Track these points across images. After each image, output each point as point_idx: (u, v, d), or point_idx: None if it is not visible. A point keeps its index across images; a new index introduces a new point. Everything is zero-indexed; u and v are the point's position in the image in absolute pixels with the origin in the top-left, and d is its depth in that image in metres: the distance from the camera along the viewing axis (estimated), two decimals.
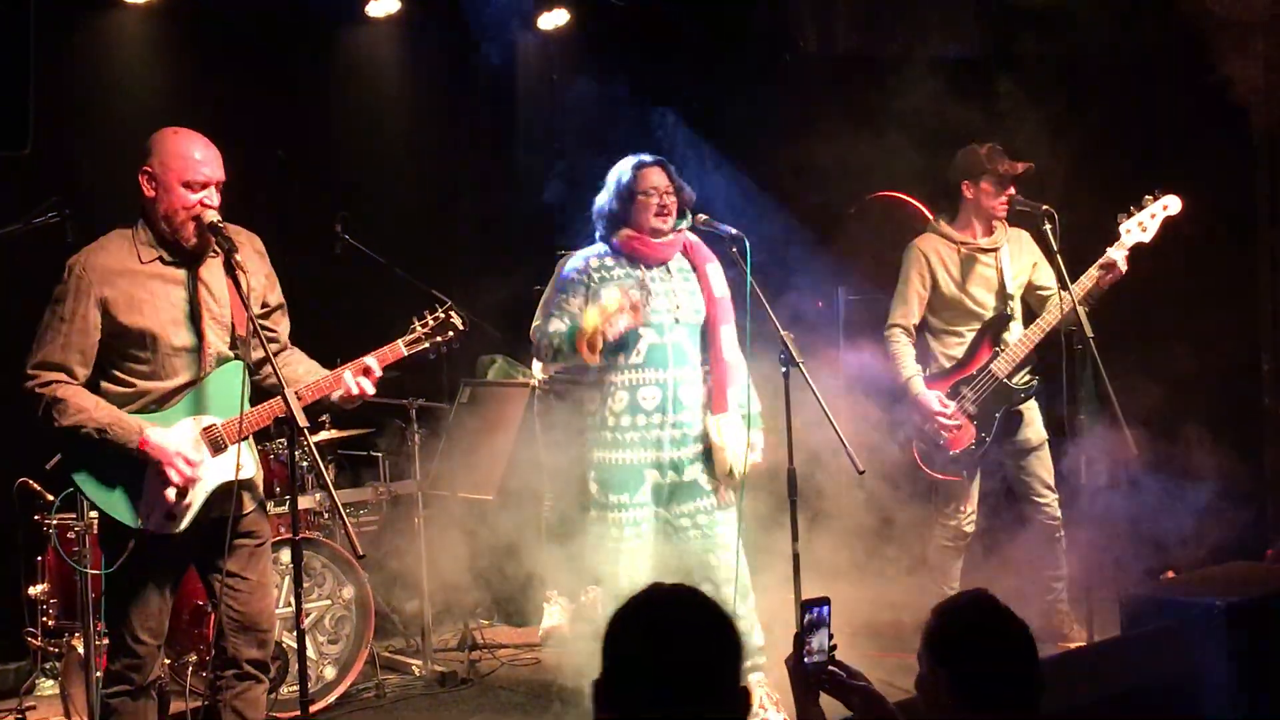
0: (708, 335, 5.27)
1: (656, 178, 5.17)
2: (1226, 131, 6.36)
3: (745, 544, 5.27)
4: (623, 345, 5.10)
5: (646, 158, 5.25)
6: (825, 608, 3.19)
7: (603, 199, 5.28)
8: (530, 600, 6.57)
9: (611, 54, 8.12)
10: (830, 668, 3.18)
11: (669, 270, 5.24)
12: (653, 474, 5.17)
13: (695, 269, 5.30)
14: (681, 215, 5.24)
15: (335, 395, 4.34)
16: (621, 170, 5.25)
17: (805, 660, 3.15)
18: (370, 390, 4.33)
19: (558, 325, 5.11)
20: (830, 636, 3.20)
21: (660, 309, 5.15)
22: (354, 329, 5.70)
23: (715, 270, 5.31)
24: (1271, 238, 6.88)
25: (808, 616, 3.17)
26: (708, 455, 5.20)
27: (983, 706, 2.82)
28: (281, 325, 4.49)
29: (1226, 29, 6.35)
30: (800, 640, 3.17)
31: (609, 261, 5.18)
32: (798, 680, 3.17)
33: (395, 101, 7.85)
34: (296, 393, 4.20)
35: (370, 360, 4.33)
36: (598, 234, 5.29)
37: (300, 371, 4.41)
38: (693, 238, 5.32)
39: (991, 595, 2.98)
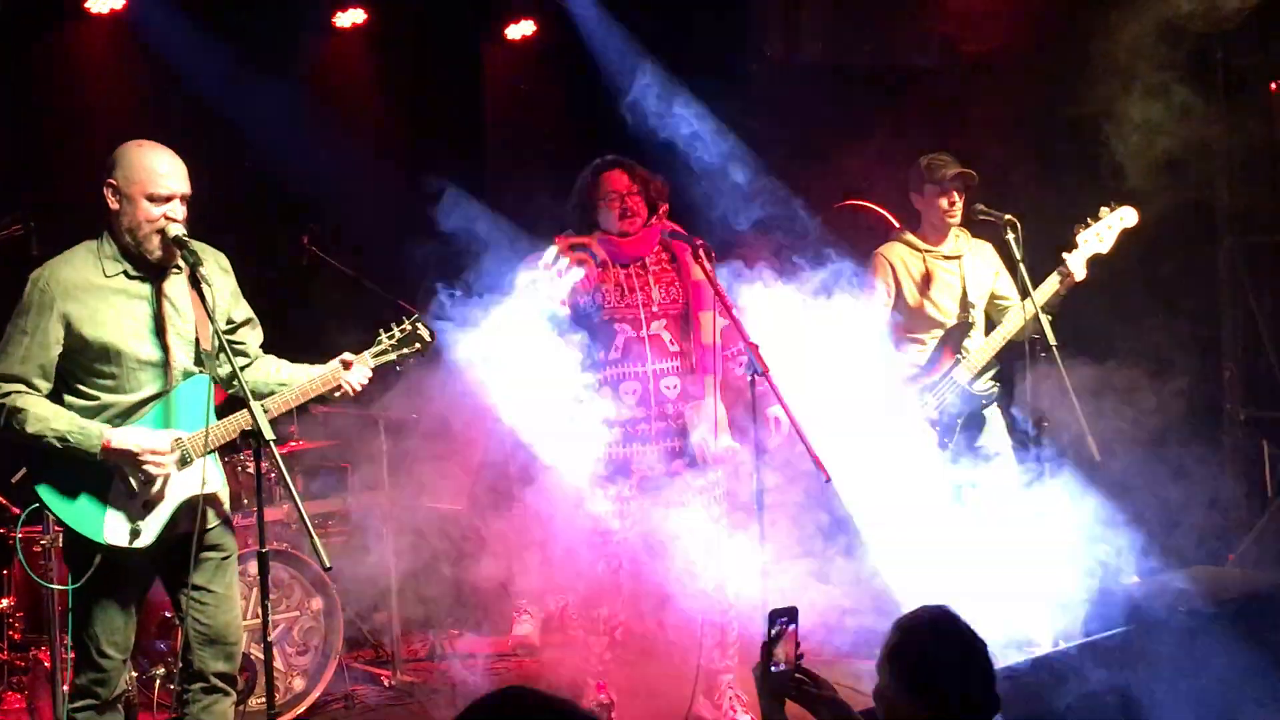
0: (689, 322, 5.28)
1: (617, 180, 5.22)
2: (1188, 142, 6.42)
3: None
4: (601, 343, 5.18)
5: (608, 159, 5.30)
6: (793, 617, 3.22)
7: (572, 202, 5.33)
8: (500, 610, 6.57)
9: (577, 64, 8.15)
10: (797, 676, 3.20)
11: (645, 265, 5.27)
12: (640, 467, 5.21)
13: (676, 257, 5.31)
14: (653, 208, 5.26)
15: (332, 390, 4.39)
16: (584, 174, 5.30)
17: (772, 669, 3.18)
18: (364, 378, 4.41)
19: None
20: (797, 646, 3.22)
21: (635, 304, 5.19)
22: (323, 342, 5.71)
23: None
24: (1232, 247, 6.95)
25: (775, 626, 3.20)
26: (694, 448, 5.23)
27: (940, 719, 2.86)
28: (251, 338, 4.50)
29: (1186, 39, 6.41)
30: (767, 649, 3.19)
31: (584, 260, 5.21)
32: (764, 689, 3.20)
33: (362, 112, 7.84)
34: (281, 398, 4.27)
35: (348, 356, 4.38)
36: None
37: (273, 372, 4.43)
38: (673, 226, 5.34)
39: (952, 611, 3.01)
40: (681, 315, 5.27)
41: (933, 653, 2.92)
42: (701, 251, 5.02)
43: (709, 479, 5.26)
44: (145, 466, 4.10)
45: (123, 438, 4.10)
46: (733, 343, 5.30)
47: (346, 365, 4.37)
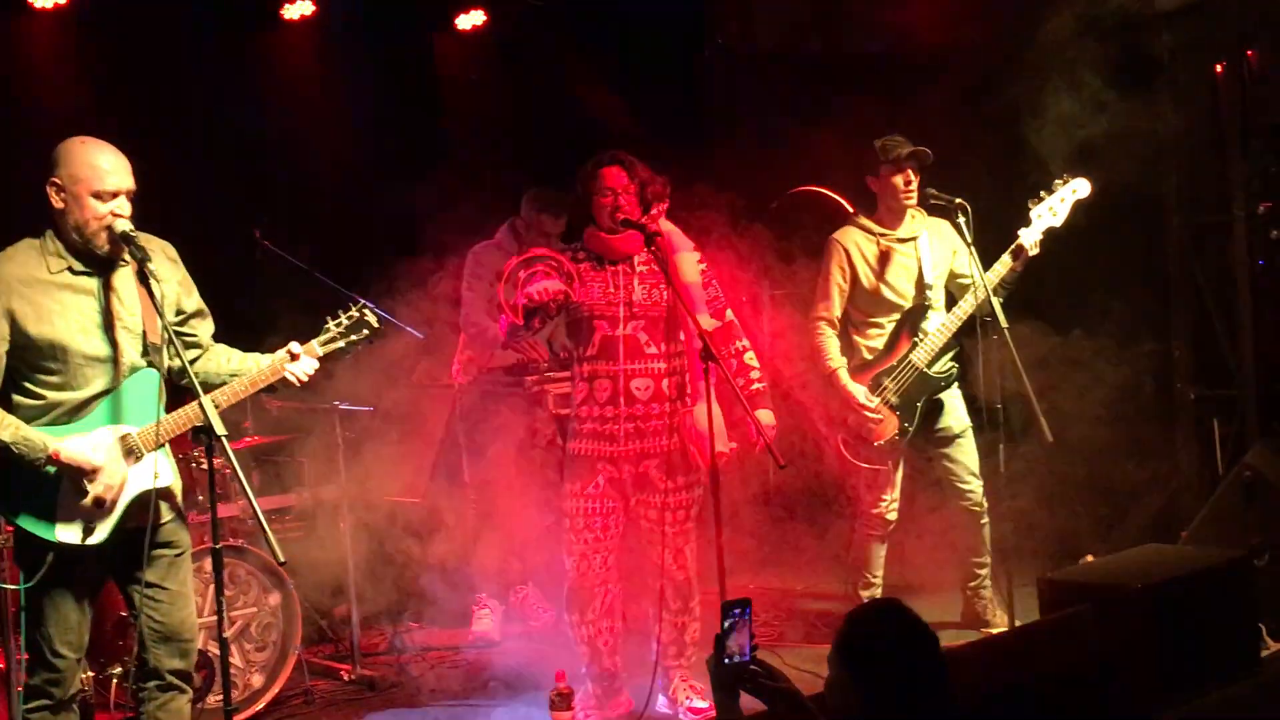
0: (679, 323, 5.24)
1: (614, 177, 5.18)
2: (1137, 121, 6.48)
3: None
4: (582, 338, 5.20)
5: (610, 155, 5.25)
6: (746, 609, 3.22)
7: (573, 192, 5.33)
8: (459, 602, 6.56)
9: (529, 53, 8.15)
10: (751, 668, 3.21)
11: (632, 264, 5.24)
12: (608, 468, 5.20)
13: (665, 259, 5.27)
14: (647, 208, 5.21)
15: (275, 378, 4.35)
16: (585, 169, 5.27)
17: (725, 661, 3.19)
18: (310, 369, 4.37)
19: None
20: (751, 637, 3.23)
21: (615, 302, 5.18)
22: (274, 333, 5.68)
23: (686, 259, 5.27)
24: (1179, 228, 7.00)
25: (728, 618, 3.20)
26: (665, 452, 5.21)
27: (889, 713, 2.88)
28: (201, 329, 4.45)
29: (1135, 22, 6.47)
30: (721, 641, 3.20)
31: (580, 257, 5.24)
32: (718, 681, 3.21)
33: (312, 104, 7.80)
34: (230, 390, 4.23)
35: (294, 346, 4.35)
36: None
37: (224, 362, 4.39)
38: (668, 227, 5.31)
39: (902, 604, 3.03)
40: (664, 318, 5.23)
41: (882, 645, 2.94)
42: (652, 245, 5.03)
43: (679, 481, 5.25)
44: (94, 482, 4.07)
45: (71, 452, 4.06)
46: (737, 339, 5.32)
47: (294, 356, 4.35)
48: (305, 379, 4.36)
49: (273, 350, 4.41)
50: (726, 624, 3.19)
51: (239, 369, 4.37)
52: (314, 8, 7.57)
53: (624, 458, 5.20)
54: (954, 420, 6.09)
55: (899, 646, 2.93)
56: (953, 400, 6.09)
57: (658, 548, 5.25)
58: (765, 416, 5.15)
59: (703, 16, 8.85)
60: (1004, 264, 5.81)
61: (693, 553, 5.32)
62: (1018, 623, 5.54)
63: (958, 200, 5.71)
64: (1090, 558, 6.09)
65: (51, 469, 4.06)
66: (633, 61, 8.27)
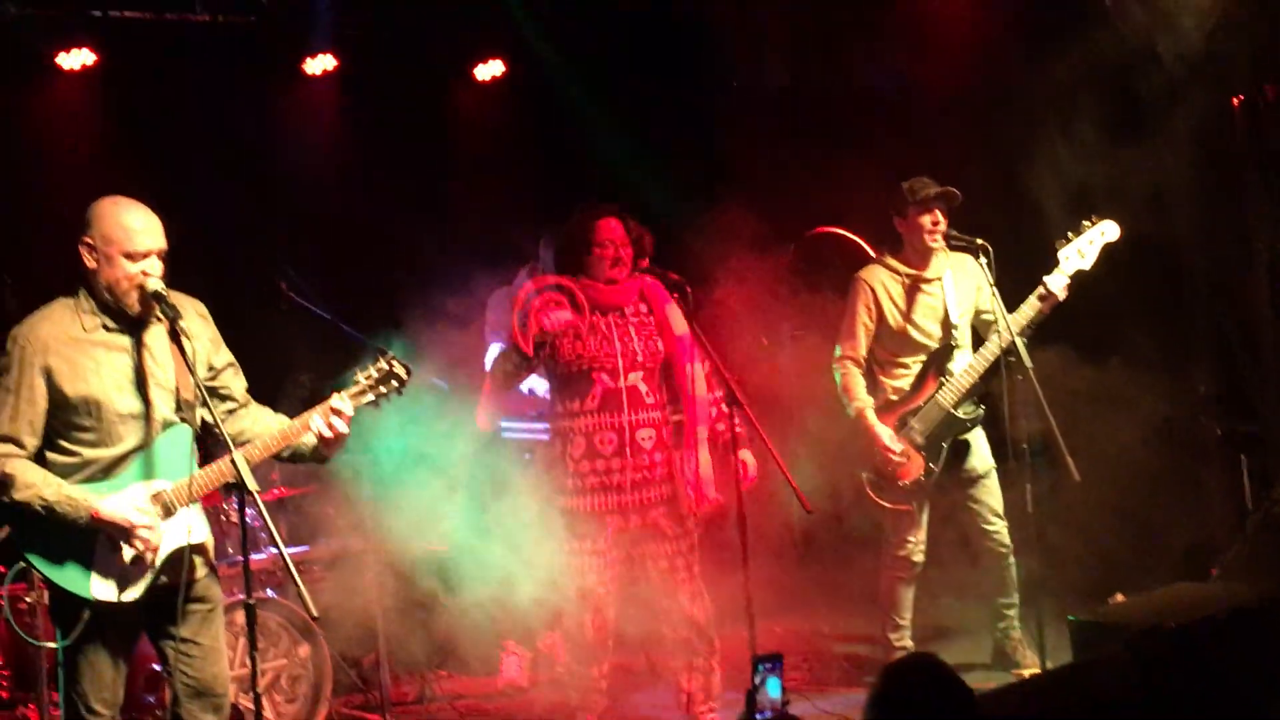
0: (673, 374, 5.31)
1: (613, 230, 5.23)
2: (1153, 159, 6.49)
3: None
4: (578, 392, 5.19)
5: (606, 207, 5.31)
6: (777, 663, 3.23)
7: (560, 246, 5.34)
8: (487, 650, 6.55)
9: (547, 102, 8.22)
10: None
11: (624, 314, 5.27)
12: (616, 519, 5.21)
13: (653, 311, 5.33)
14: (635, 262, 5.28)
15: (308, 439, 4.29)
16: (578, 220, 5.29)
17: (757, 717, 3.19)
18: (344, 430, 4.30)
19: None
20: (783, 692, 3.24)
21: (614, 354, 5.19)
22: (298, 372, 5.71)
23: (674, 311, 5.34)
24: (1201, 265, 7.00)
25: (759, 673, 3.21)
26: (670, 498, 5.25)
27: None
28: (235, 384, 4.46)
29: (1149, 63, 6.50)
30: (751, 697, 3.21)
31: None
32: None
33: (333, 155, 7.87)
34: (261, 443, 4.22)
35: (338, 402, 4.30)
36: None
37: (260, 428, 4.38)
38: (650, 280, 5.37)
39: (938, 659, 3.03)
40: (660, 368, 5.29)
41: (918, 701, 2.93)
42: (678, 292, 5.07)
43: (686, 527, 5.28)
44: (134, 540, 4.09)
45: (112, 511, 4.08)
46: (716, 387, 5.35)
47: (332, 411, 4.33)
48: (330, 434, 4.28)
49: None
50: (757, 679, 3.20)
51: (281, 422, 4.37)
52: (335, 62, 7.66)
53: (631, 507, 5.22)
54: (979, 461, 6.07)
55: (934, 702, 2.93)
56: (978, 441, 6.08)
57: (676, 596, 5.27)
58: (747, 456, 5.26)
59: (715, 57, 8.92)
60: (1031, 306, 5.76)
61: (708, 594, 5.34)
62: (1049, 664, 5.51)
63: (979, 241, 5.70)
64: (1120, 597, 6.05)
65: (91, 526, 4.08)
66: (646, 103, 8.34)
